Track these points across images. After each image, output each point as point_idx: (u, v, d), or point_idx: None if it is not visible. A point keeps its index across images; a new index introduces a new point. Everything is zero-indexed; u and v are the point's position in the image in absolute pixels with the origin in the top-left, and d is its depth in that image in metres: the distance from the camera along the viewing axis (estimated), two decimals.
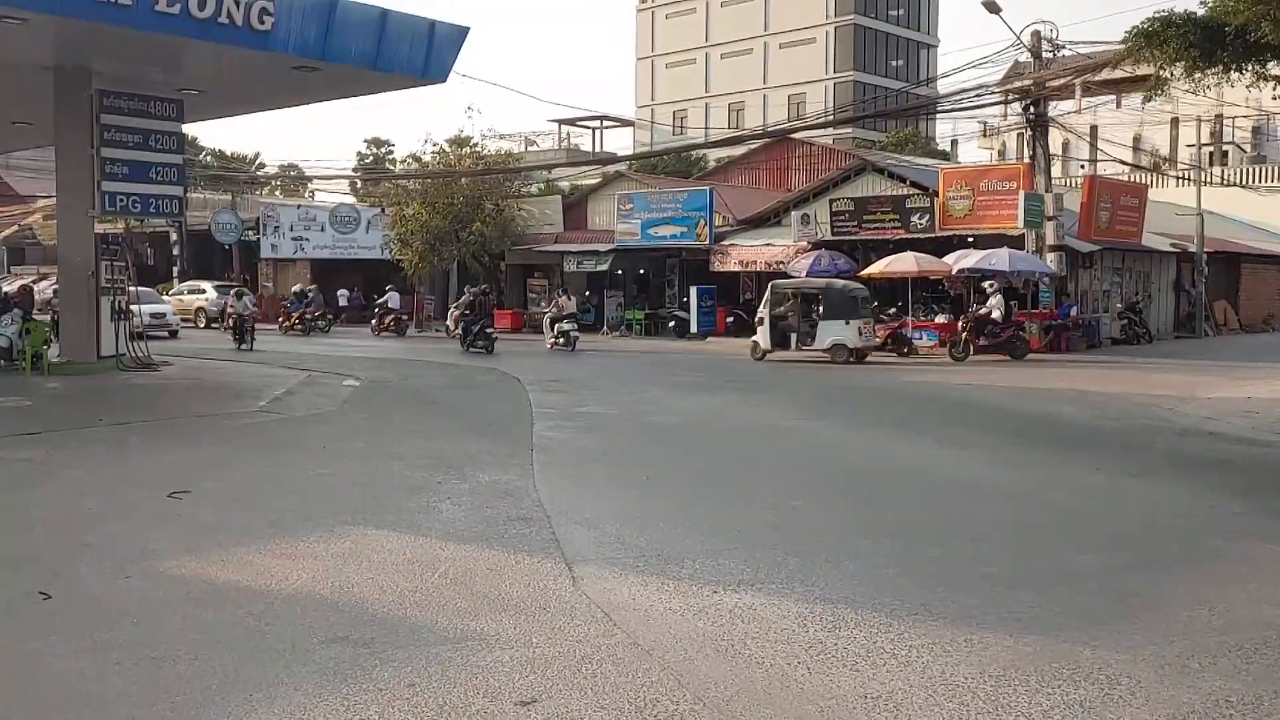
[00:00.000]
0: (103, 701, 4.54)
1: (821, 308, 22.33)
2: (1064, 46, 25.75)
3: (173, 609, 5.73)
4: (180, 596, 5.95)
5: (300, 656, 5.00)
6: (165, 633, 5.33)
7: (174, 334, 30.70)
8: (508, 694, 4.55)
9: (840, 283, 23.49)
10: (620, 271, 35.48)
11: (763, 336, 22.97)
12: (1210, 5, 12.87)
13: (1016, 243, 25.25)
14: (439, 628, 5.44)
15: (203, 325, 36.13)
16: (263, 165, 62.12)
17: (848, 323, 21.88)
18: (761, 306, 23.55)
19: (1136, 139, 46.90)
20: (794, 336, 22.63)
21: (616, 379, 19.42)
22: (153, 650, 5.08)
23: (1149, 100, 25.31)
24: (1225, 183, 39.63)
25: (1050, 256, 25.26)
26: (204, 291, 37.84)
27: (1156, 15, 13.30)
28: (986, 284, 23.42)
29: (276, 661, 4.95)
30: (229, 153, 62.37)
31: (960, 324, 22.98)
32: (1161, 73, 14.16)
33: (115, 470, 10.04)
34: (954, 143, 58.74)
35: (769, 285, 24.24)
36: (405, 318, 34.55)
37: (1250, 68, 13.50)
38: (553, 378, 19.10)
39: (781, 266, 29.38)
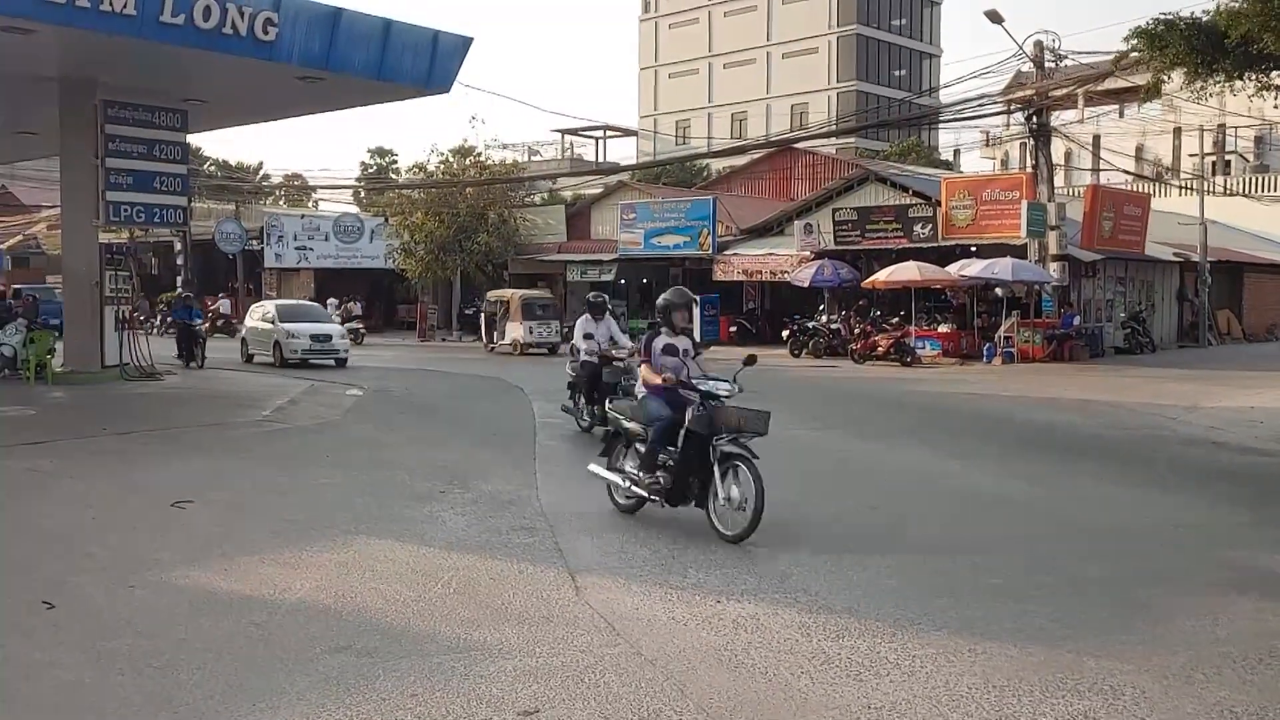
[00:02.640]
0: (105, 711, 4.54)
1: (509, 312, 28.22)
2: (1066, 56, 25.79)
3: (176, 618, 5.73)
4: (183, 606, 5.96)
5: (303, 666, 5.00)
6: (168, 642, 5.33)
7: (342, 363, 23.32)
8: (510, 704, 4.55)
9: (524, 293, 29.10)
10: (623, 281, 35.51)
11: (484, 335, 29.73)
12: (1214, 13, 12.78)
13: (1019, 252, 25.27)
14: (442, 637, 5.44)
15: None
16: (267, 175, 62.29)
17: (521, 323, 27.61)
18: (483, 309, 30.45)
19: (1139, 149, 46.91)
20: (495, 334, 28.94)
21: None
22: (156, 660, 5.09)
23: (1145, 101, 25.32)
24: (1228, 192, 39.56)
25: (1053, 266, 25.27)
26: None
27: (1160, 17, 13.18)
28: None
29: (279, 671, 4.95)
30: (233, 162, 62.51)
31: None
32: (1162, 78, 14.06)
33: (118, 480, 10.04)
34: (956, 152, 58.77)
35: (486, 294, 31.32)
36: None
37: (1253, 77, 13.42)
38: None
39: (785, 276, 29.42)
